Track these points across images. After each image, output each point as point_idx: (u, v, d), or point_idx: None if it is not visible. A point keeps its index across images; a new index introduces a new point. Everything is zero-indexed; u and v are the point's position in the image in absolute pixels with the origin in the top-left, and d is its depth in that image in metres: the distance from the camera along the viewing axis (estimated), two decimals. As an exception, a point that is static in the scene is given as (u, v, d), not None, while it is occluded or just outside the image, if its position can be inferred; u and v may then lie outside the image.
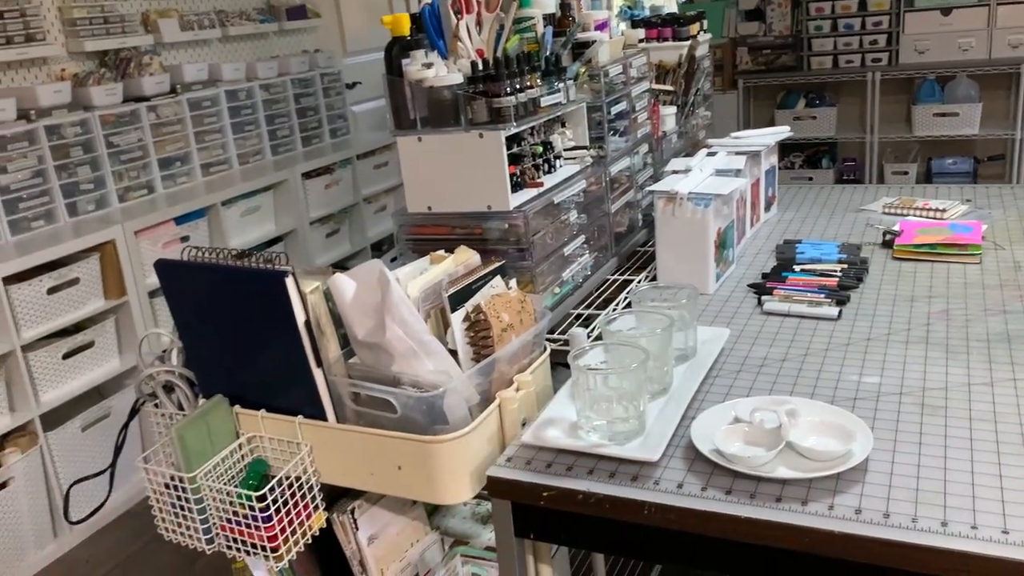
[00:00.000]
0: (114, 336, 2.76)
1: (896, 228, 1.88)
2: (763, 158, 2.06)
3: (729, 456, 1.05)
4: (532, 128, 1.51)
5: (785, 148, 4.96)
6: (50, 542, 2.55)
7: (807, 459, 1.05)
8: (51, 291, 2.53)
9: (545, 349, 1.37)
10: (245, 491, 1.14)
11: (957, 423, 1.12)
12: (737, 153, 1.94)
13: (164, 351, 1.36)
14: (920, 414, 1.15)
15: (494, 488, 1.13)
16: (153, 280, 2.85)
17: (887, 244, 1.84)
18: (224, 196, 3.18)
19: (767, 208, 2.14)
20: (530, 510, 1.12)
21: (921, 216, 1.99)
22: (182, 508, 1.19)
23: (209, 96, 3.40)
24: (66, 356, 2.58)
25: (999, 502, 0.95)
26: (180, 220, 3.00)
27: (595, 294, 1.68)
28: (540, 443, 1.16)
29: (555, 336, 1.49)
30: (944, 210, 1.98)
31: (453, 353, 1.25)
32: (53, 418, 2.54)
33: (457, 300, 1.25)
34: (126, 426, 1.40)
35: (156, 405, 1.35)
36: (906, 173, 4.70)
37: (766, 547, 0.97)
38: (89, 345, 2.66)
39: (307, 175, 3.62)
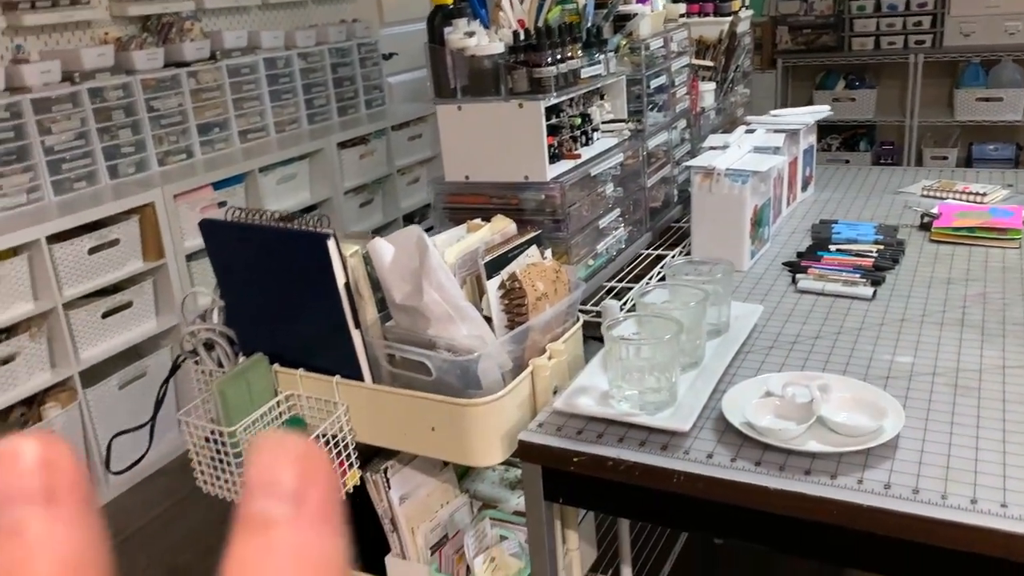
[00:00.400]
0: (152, 297, 2.82)
1: (935, 211, 1.86)
2: (801, 137, 2.04)
3: (760, 429, 1.06)
4: (571, 99, 1.51)
5: (822, 130, 4.90)
6: (87, 495, 2.62)
7: (838, 434, 1.06)
8: (92, 251, 2.58)
9: (578, 320, 1.38)
10: (283, 446, 1.17)
11: (990, 404, 1.12)
12: (776, 131, 1.92)
13: (206, 310, 1.39)
14: (953, 394, 1.15)
15: (525, 452, 1.15)
16: (191, 244, 2.90)
17: (925, 227, 1.83)
18: (261, 163, 3.22)
19: (804, 188, 2.13)
20: (560, 475, 1.14)
21: (961, 199, 1.97)
22: (221, 461, 1.22)
23: (248, 63, 3.43)
24: (105, 315, 2.64)
25: (1030, 482, 0.95)
26: (218, 185, 3.04)
27: (628, 268, 1.69)
28: (571, 410, 1.17)
29: (587, 308, 1.50)
30: (984, 194, 1.96)
31: (488, 320, 1.27)
32: (92, 375, 2.60)
33: (493, 268, 1.26)
34: (167, 381, 1.43)
35: (196, 362, 1.39)
36: (945, 158, 4.62)
37: (794, 518, 0.99)
38: (127, 305, 2.71)
39: (342, 145, 3.65)
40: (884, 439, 1.03)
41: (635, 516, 1.14)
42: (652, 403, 1.15)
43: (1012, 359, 1.24)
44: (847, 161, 4.92)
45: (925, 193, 2.06)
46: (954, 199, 1.98)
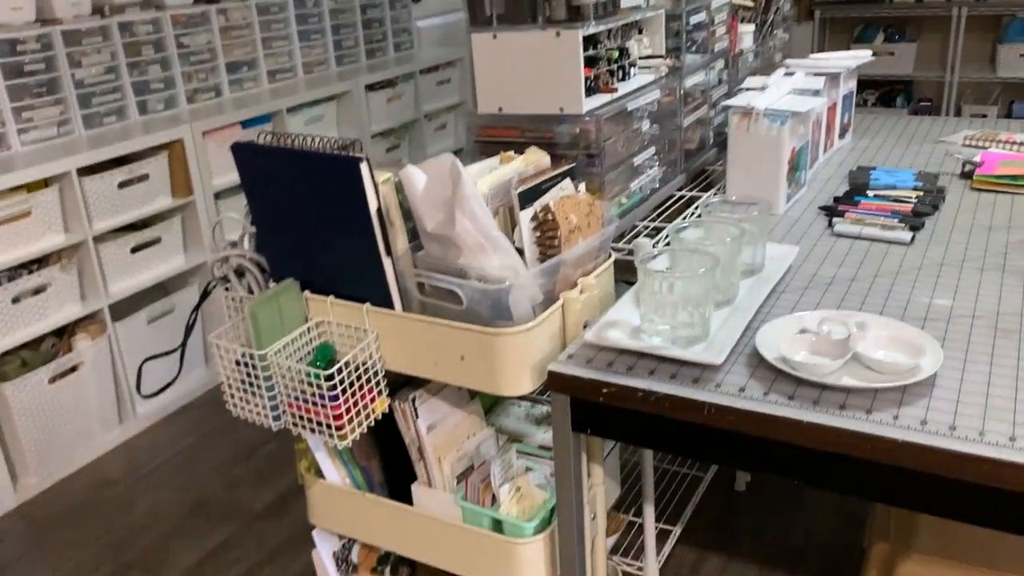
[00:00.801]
0: (180, 234, 2.83)
1: (977, 159, 1.81)
2: (842, 82, 1.99)
3: (794, 363, 1.05)
4: (609, 31, 1.48)
5: (859, 85, 4.81)
6: (116, 427, 2.66)
7: (874, 371, 1.04)
8: (121, 185, 2.59)
9: (610, 256, 1.36)
10: (315, 369, 1.17)
11: (1031, 347, 1.10)
12: (816, 74, 1.88)
13: (239, 236, 1.39)
14: (992, 336, 1.13)
15: (554, 383, 1.14)
16: (219, 181, 2.90)
17: (966, 175, 1.79)
18: (289, 103, 3.20)
19: (842, 135, 2.08)
20: (588, 406, 1.13)
21: (1004, 149, 1.92)
22: (251, 385, 1.23)
23: (277, 2, 3.39)
24: (134, 250, 2.65)
25: (1071, 422, 0.93)
26: (246, 124, 3.03)
27: (661, 208, 1.66)
28: (602, 343, 1.16)
29: (619, 246, 1.49)
30: (1029, 144, 1.91)
31: (519, 252, 1.25)
32: (121, 310, 2.63)
33: (526, 199, 1.25)
34: (198, 307, 1.44)
35: (227, 289, 1.39)
36: (984, 116, 4.51)
37: (827, 453, 0.98)
38: (156, 241, 2.73)
39: (370, 87, 3.62)
40: (921, 377, 1.01)
41: (664, 448, 1.13)
42: (684, 338, 1.14)
43: (1055, 304, 1.21)
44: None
45: (967, 142, 2.01)
46: (997, 148, 1.93)
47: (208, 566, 2.10)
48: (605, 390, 1.10)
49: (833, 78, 1.92)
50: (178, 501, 2.37)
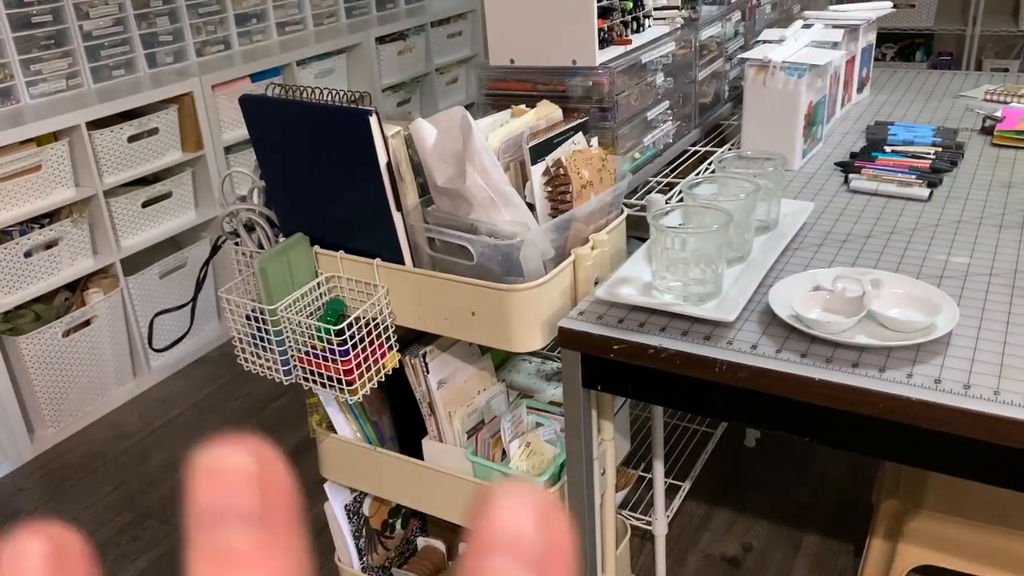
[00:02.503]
0: (191, 189, 2.82)
1: (998, 115, 1.78)
2: (861, 34, 1.95)
3: (807, 321, 1.04)
4: (624, -18, 1.44)
5: (878, 38, 4.71)
6: (129, 380, 2.69)
7: (888, 329, 1.03)
8: (131, 139, 2.58)
9: (622, 212, 1.35)
10: (325, 324, 1.17)
11: (1049, 306, 1.08)
12: (835, 26, 1.83)
13: (248, 191, 1.38)
14: (1010, 295, 1.12)
15: (565, 339, 1.14)
16: (229, 135, 2.88)
17: (987, 131, 1.75)
18: (299, 56, 3.16)
19: (859, 89, 2.04)
20: (599, 362, 1.13)
21: (1026, 104, 1.88)
22: (262, 339, 1.23)
23: (286, -48, 3.34)
24: (145, 204, 2.65)
25: (1088, 382, 0.92)
26: (255, 77, 3.00)
27: (674, 164, 1.64)
28: (613, 299, 1.15)
29: (632, 202, 1.47)
30: (1052, 99, 1.87)
31: (531, 207, 1.24)
32: (133, 264, 2.63)
33: (538, 153, 1.23)
34: (208, 262, 1.44)
35: (236, 243, 1.38)
36: (1006, 70, 4.42)
37: (839, 411, 0.97)
38: (167, 196, 2.72)
39: (380, 40, 3.57)
40: (936, 335, 1.00)
41: (674, 405, 1.13)
42: (696, 294, 1.12)
43: (1074, 262, 1.19)
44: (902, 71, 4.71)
45: (988, 97, 1.96)
46: (1019, 103, 1.89)
47: (222, 517, 2.13)
48: (616, 346, 1.09)
49: (852, 31, 1.88)
50: (192, 453, 2.39)
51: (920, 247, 1.27)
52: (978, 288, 1.14)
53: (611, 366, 1.12)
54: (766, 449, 2.19)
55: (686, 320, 1.11)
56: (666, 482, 1.64)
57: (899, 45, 4.85)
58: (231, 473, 0.18)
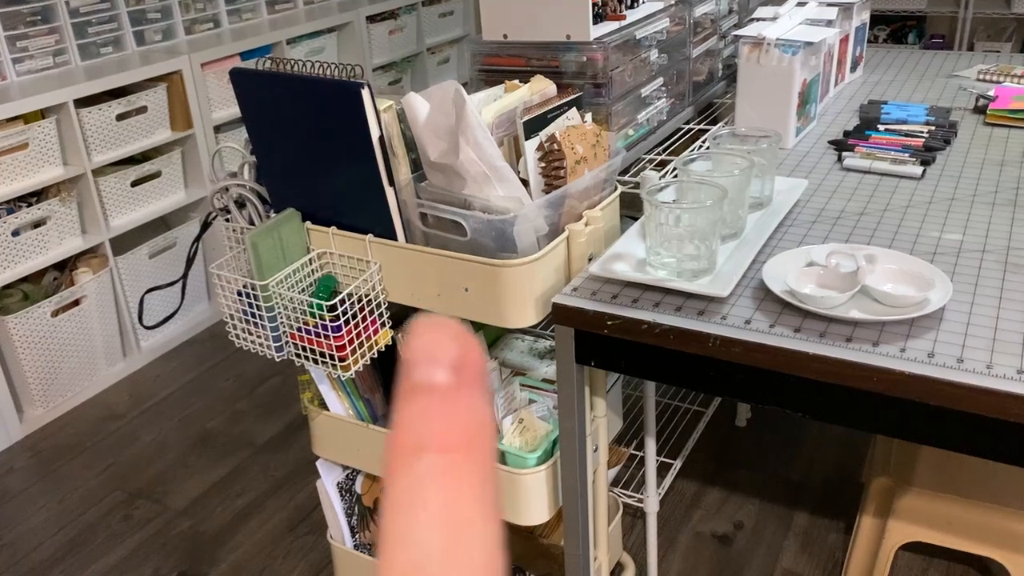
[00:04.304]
0: (180, 168, 2.80)
1: (991, 94, 1.78)
2: (855, 13, 1.94)
3: (801, 296, 1.04)
4: (618, -44, 1.43)
5: (870, 20, 4.69)
6: (120, 361, 2.67)
7: (882, 304, 1.03)
8: (120, 118, 2.55)
9: (616, 189, 1.34)
10: (317, 300, 1.16)
11: (1041, 282, 1.09)
12: (829, 4, 1.83)
13: (238, 166, 1.36)
14: (1003, 271, 1.12)
15: (559, 315, 1.13)
16: (219, 114, 2.86)
17: (980, 110, 1.75)
18: (288, 34, 3.13)
19: (853, 68, 2.04)
20: (593, 338, 1.13)
21: (1019, 83, 1.88)
22: (253, 316, 1.22)
23: (275, -71, 3.30)
24: (134, 184, 2.63)
25: (1080, 356, 0.93)
26: (245, 56, 2.97)
27: (668, 141, 1.63)
28: (607, 275, 1.15)
29: (626, 179, 1.46)
30: (1045, 78, 1.87)
31: (524, 182, 1.23)
32: (123, 244, 2.61)
33: (531, 128, 1.22)
34: (198, 239, 1.43)
35: (227, 220, 1.37)
36: (998, 52, 4.42)
37: (833, 385, 0.97)
38: (156, 175, 2.70)
39: (371, 19, 3.54)
40: (929, 310, 1.00)
41: (668, 380, 1.13)
42: (690, 270, 1.12)
43: (1066, 239, 1.20)
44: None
45: (981, 77, 1.96)
46: (1012, 83, 1.89)
47: (214, 496, 2.13)
48: (610, 322, 1.09)
49: (846, 9, 1.87)
50: (183, 433, 2.39)
51: (913, 224, 1.27)
52: (971, 264, 1.14)
53: (605, 342, 1.12)
54: (757, 428, 2.20)
55: (680, 296, 1.11)
56: (658, 460, 1.64)
57: (891, 27, 4.84)
58: (441, 331, 0.23)
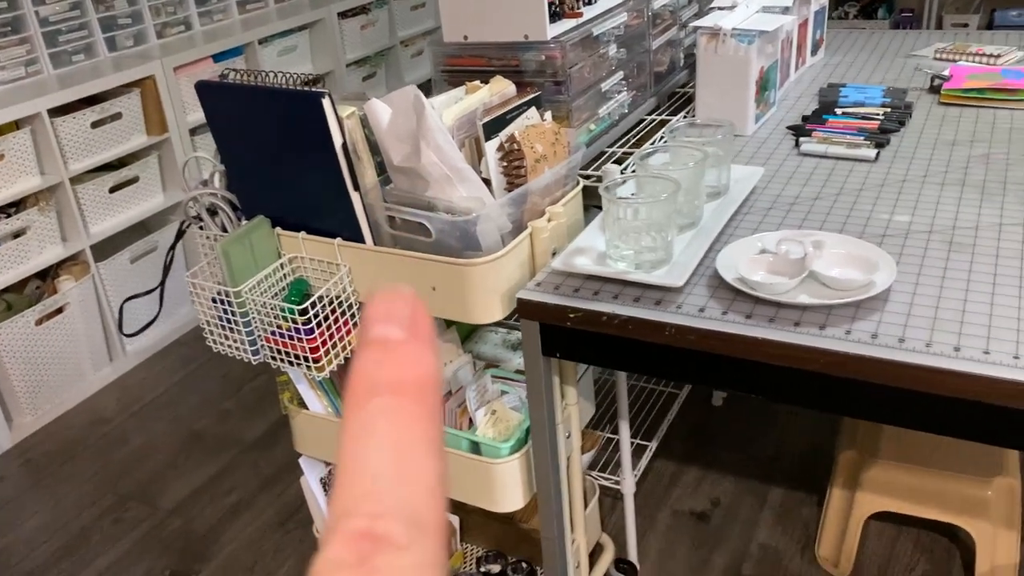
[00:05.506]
0: (157, 172, 2.82)
1: (946, 73, 1.82)
2: (813, -3, 1.98)
3: (752, 283, 1.08)
4: (573, -45, 1.46)
5: (840, -3, 4.72)
6: (106, 365, 2.70)
7: (829, 288, 1.08)
8: (94, 125, 2.57)
9: (578, 183, 1.38)
10: (288, 304, 1.20)
11: (983, 260, 1.13)
12: (786, -9, 1.86)
13: (209, 175, 1.40)
14: (947, 251, 1.17)
15: (524, 310, 1.17)
16: (194, 117, 2.88)
17: (935, 90, 1.79)
18: (260, 34, 3.15)
19: (814, 52, 2.08)
20: (557, 331, 1.17)
21: (973, 62, 1.92)
22: (229, 321, 1.26)
23: (243, -72, 3.30)
24: (112, 190, 2.65)
25: (1014, 331, 0.98)
26: (218, 58, 2.99)
27: (631, 133, 1.67)
28: (569, 269, 1.19)
29: (589, 173, 1.50)
30: (998, 56, 1.91)
31: (487, 182, 1.27)
32: (104, 250, 2.64)
33: (491, 129, 1.26)
34: (173, 247, 1.46)
35: (200, 227, 1.40)
36: (966, 25, 4.46)
37: (782, 367, 1.02)
38: (134, 180, 2.72)
39: (343, 15, 3.55)
40: (874, 292, 1.04)
41: (630, 368, 1.18)
42: (648, 262, 1.16)
43: (1009, 217, 1.24)
44: (864, 30, 4.75)
45: (938, 56, 2.01)
46: (967, 61, 1.93)
47: (204, 495, 2.17)
48: (572, 315, 1.13)
49: (804, -6, 1.91)
50: (171, 435, 2.42)
51: (865, 207, 1.32)
52: (918, 245, 1.19)
53: (568, 334, 1.16)
54: (733, 408, 2.25)
55: (638, 287, 1.15)
56: (633, 442, 1.69)
57: (861, 3, 4.87)
58: (395, 296, 0.26)
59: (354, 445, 0.24)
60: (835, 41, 2.25)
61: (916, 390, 0.95)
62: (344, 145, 1.19)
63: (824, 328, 1.01)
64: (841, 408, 1.03)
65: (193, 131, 2.88)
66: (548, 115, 1.35)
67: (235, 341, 1.28)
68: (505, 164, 1.26)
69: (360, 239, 1.25)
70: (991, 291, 1.06)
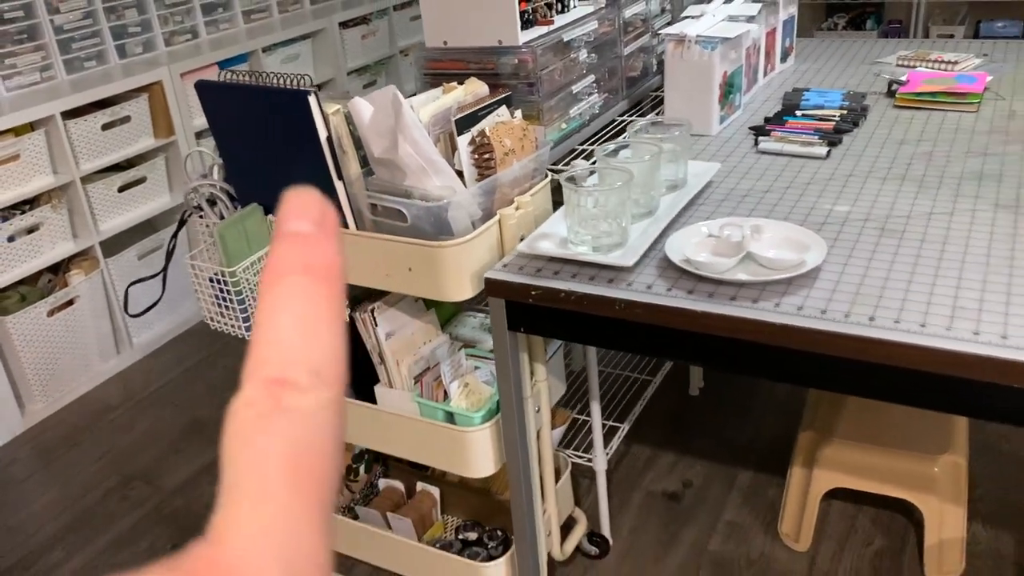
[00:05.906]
0: (164, 173, 2.95)
1: (903, 78, 1.93)
2: (781, 7, 2.09)
3: (695, 263, 1.20)
4: (545, -33, 1.58)
5: (831, 8, 4.84)
6: (113, 357, 2.83)
7: (766, 268, 1.19)
8: (105, 127, 2.70)
9: (546, 176, 1.50)
10: (276, 283, 1.32)
11: (909, 244, 1.24)
12: (753, 0, 1.98)
13: (208, 168, 1.52)
14: (879, 236, 1.28)
15: (491, 288, 1.29)
16: (199, 121, 3.01)
17: (892, 94, 1.91)
18: (264, 43, 3.28)
19: (783, 59, 2.19)
20: (521, 307, 1.29)
21: (931, 68, 2.03)
22: (225, 300, 1.38)
23: (249, -59, 3.45)
24: (121, 189, 2.78)
25: (924, 303, 1.09)
26: (223, 65, 3.12)
27: (602, 132, 1.79)
28: (533, 252, 1.31)
29: (559, 168, 1.62)
30: (956, 63, 2.02)
31: (460, 174, 1.39)
32: (112, 247, 2.77)
33: (464, 125, 1.38)
34: (175, 235, 1.58)
35: (201, 216, 1.53)
36: (952, 36, 4.57)
37: (718, 337, 1.13)
38: (142, 180, 2.85)
39: (344, 24, 3.69)
40: (804, 270, 1.16)
41: (585, 340, 1.29)
42: (605, 245, 1.28)
43: (940, 207, 1.35)
44: (855, 41, 4.85)
45: (900, 63, 2.12)
46: (925, 67, 2.04)
47: (205, 476, 2.28)
48: (534, 292, 1.25)
49: (771, 4, 2.03)
50: (175, 422, 2.54)
51: (810, 199, 1.43)
52: (853, 231, 1.30)
53: (531, 310, 1.28)
54: (709, 396, 2.36)
55: (594, 267, 1.26)
56: (605, 424, 1.80)
57: (851, 15, 4.98)
58: (306, 196, 0.29)
59: (268, 314, 0.26)
60: (806, 49, 2.36)
61: (835, 355, 1.07)
62: (329, 138, 1.31)
63: (757, 302, 1.13)
64: (770, 373, 1.15)
65: (199, 134, 3.01)
66: (518, 113, 1.47)
67: (230, 317, 1.40)
68: (476, 156, 1.38)
69: (344, 224, 1.37)
70: (911, 270, 1.17)
